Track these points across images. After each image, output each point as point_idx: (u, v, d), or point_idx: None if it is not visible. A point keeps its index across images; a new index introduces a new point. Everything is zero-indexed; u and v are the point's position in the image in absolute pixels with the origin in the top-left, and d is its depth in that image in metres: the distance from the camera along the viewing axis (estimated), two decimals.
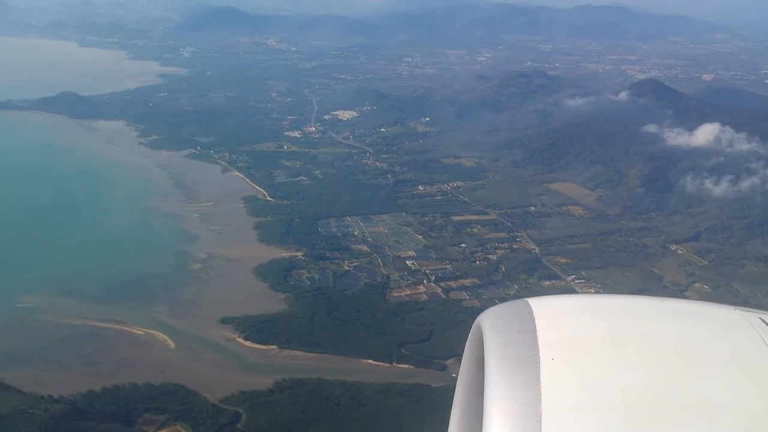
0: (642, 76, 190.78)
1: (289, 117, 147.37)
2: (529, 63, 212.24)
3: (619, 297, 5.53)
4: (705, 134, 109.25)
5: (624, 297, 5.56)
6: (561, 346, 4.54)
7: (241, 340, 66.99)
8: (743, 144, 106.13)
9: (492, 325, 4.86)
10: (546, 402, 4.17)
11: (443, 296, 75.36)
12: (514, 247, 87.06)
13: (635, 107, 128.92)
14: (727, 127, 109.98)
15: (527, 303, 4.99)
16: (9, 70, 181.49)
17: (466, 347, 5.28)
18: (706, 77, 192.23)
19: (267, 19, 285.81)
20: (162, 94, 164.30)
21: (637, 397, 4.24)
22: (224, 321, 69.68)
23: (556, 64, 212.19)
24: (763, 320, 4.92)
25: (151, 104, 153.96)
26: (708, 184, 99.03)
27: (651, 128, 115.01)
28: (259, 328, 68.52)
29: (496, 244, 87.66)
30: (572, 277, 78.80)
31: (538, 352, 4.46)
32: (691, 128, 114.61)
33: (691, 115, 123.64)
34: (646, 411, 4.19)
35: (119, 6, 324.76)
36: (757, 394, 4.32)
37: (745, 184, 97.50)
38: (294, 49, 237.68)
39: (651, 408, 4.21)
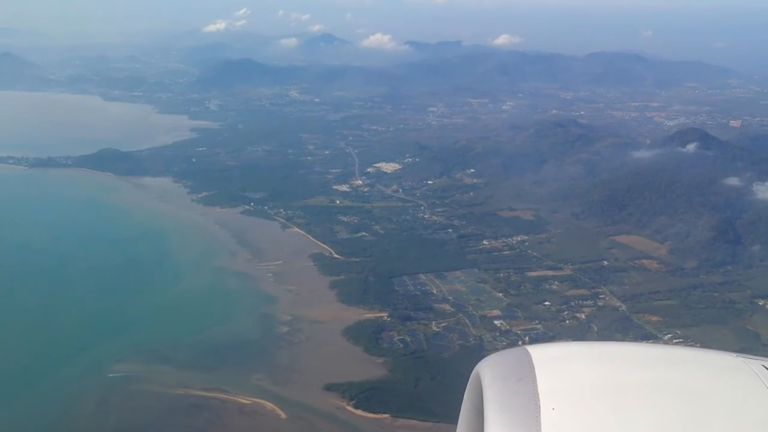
0: (671, 123, 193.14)
1: (333, 170, 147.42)
2: (554, 111, 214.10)
3: (619, 344, 5.51)
4: None
5: (624, 344, 5.55)
6: (562, 395, 4.48)
7: (351, 409, 65.79)
8: None
9: (491, 373, 4.81)
10: None
11: None
12: (600, 304, 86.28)
13: (685, 157, 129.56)
14: None
15: (526, 351, 5.02)
16: (43, 126, 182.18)
17: (465, 396, 5.20)
18: (734, 123, 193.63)
19: (284, 70, 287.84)
20: (201, 149, 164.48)
21: None
22: (329, 388, 68.60)
23: (582, 112, 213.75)
24: (765, 367, 4.91)
25: (194, 159, 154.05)
26: None
27: (710, 178, 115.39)
28: (366, 396, 67.42)
29: (580, 301, 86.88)
30: (669, 336, 77.95)
31: (539, 401, 4.39)
32: (748, 177, 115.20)
33: (741, 163, 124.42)
34: None
35: (134, 60, 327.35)
36: None
37: None
38: (317, 100, 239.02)
39: None
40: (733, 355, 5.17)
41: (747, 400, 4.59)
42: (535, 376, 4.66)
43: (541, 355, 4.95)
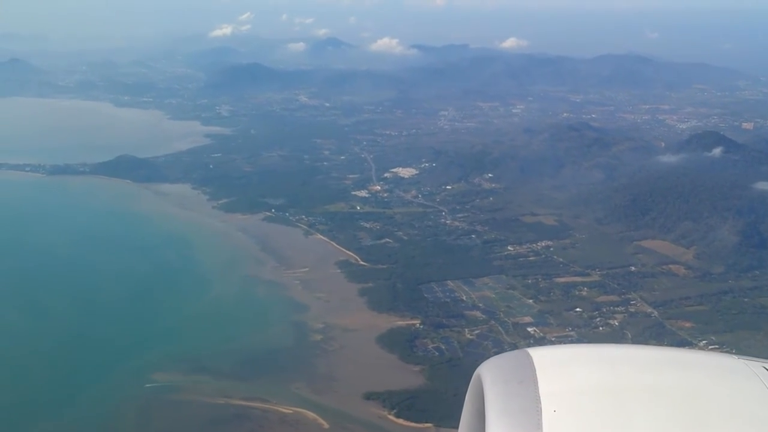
0: (684, 126, 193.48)
1: (350, 176, 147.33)
2: (565, 114, 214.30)
3: (620, 347, 5.59)
4: None
5: (625, 347, 5.63)
6: (563, 397, 4.50)
7: (393, 418, 65.78)
8: None
9: (492, 376, 4.85)
10: None
11: None
12: (631, 310, 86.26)
13: (705, 160, 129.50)
14: None
15: (527, 353, 5.13)
16: (58, 133, 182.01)
17: (466, 398, 5.23)
18: (747, 125, 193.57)
19: (292, 74, 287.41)
20: (216, 155, 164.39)
21: None
22: (368, 397, 68.62)
23: (593, 115, 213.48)
24: (766, 369, 4.93)
25: (211, 166, 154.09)
26: None
27: (733, 182, 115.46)
28: (407, 405, 67.42)
29: (612, 308, 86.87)
30: (704, 342, 77.96)
31: (540, 404, 4.42)
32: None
33: (763, 167, 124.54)
34: None
35: (141, 65, 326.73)
36: None
37: None
38: (327, 104, 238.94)
39: None
40: (734, 356, 5.19)
41: (748, 402, 4.61)
42: (536, 378, 4.71)
43: (543, 357, 5.03)
